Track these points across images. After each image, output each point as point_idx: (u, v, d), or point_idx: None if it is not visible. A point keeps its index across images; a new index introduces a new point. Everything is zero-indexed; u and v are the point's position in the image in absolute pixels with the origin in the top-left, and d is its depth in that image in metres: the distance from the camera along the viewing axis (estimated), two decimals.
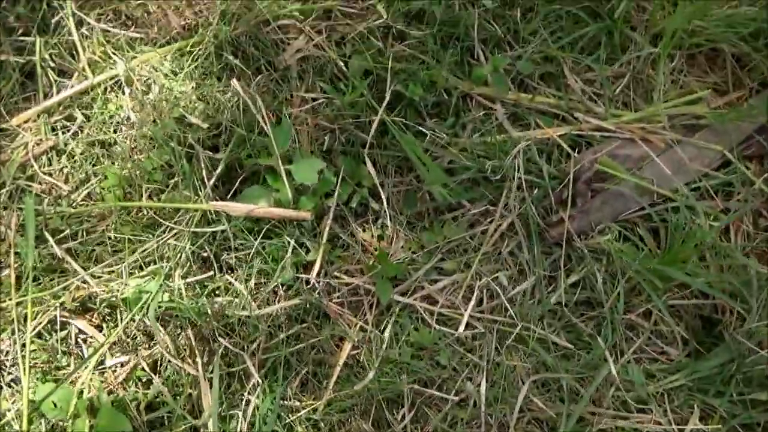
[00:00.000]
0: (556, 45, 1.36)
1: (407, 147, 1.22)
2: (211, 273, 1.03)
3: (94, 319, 1.04)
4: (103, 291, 1.01)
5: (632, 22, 1.42)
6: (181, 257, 1.02)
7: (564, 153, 1.29)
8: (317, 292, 1.08)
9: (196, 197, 1.08)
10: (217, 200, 1.08)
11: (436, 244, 1.19)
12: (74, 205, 1.10)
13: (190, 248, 1.02)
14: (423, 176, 1.23)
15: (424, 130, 1.27)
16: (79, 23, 1.20)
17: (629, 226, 1.26)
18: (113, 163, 1.12)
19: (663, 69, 1.35)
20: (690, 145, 1.31)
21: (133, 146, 1.12)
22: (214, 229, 1.03)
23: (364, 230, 1.20)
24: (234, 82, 1.12)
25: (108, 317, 1.04)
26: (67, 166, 1.13)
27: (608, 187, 1.26)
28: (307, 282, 1.06)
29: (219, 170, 1.08)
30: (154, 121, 1.09)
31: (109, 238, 1.07)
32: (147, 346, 1.04)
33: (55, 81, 1.19)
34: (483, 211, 1.24)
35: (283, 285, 1.05)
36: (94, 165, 1.14)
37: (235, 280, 1.03)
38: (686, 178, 1.28)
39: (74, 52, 1.20)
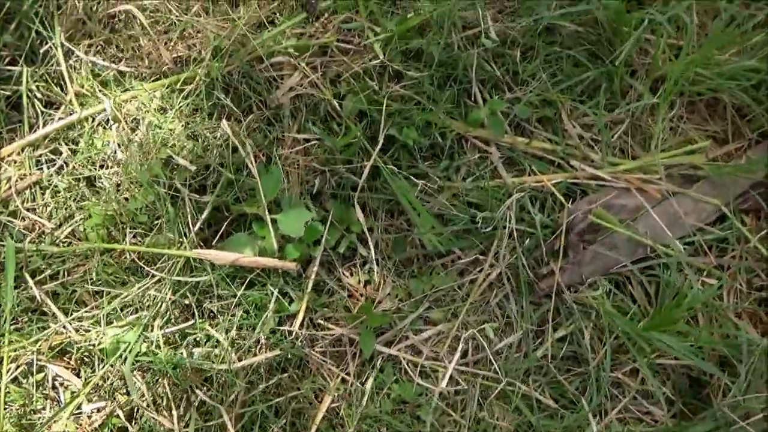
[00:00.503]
0: (556, 89, 1.33)
1: (399, 192, 1.20)
2: (192, 322, 1.01)
3: (71, 363, 1.03)
4: (82, 339, 0.99)
5: (633, 65, 1.40)
6: (161, 307, 1.00)
7: (558, 201, 1.27)
8: (300, 340, 1.06)
9: (181, 241, 1.06)
10: (201, 245, 1.06)
11: (423, 293, 1.17)
12: (57, 242, 1.08)
13: (171, 298, 1.01)
14: (414, 221, 1.21)
15: (417, 172, 1.25)
16: (68, 53, 1.18)
17: (621, 280, 1.24)
18: (98, 202, 1.10)
19: (662, 118, 1.32)
20: (686, 198, 1.29)
21: (118, 184, 1.10)
22: (196, 279, 1.01)
23: (351, 274, 1.19)
24: (224, 123, 1.10)
25: (86, 361, 1.02)
26: (50, 203, 1.11)
27: (601, 238, 1.25)
28: (290, 332, 1.05)
29: (205, 215, 1.06)
30: (141, 163, 1.07)
31: (91, 279, 1.06)
32: (124, 391, 1.02)
33: (42, 113, 1.16)
34: (473, 260, 1.22)
35: (264, 335, 1.03)
36: (78, 202, 1.12)
37: (216, 328, 1.01)
38: (681, 232, 1.26)
39: (62, 83, 1.17)
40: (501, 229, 1.21)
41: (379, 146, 1.18)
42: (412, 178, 1.25)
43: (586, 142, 1.34)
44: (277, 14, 1.33)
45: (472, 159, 1.29)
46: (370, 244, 1.14)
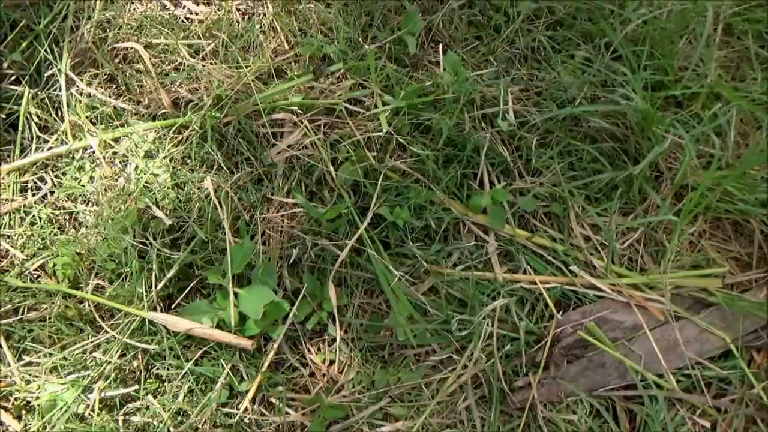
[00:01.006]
0: (568, 184, 1.25)
1: (380, 274, 1.14)
2: (135, 387, 0.98)
3: (14, 406, 1.00)
4: (23, 387, 0.97)
5: (658, 165, 1.30)
6: (105, 368, 0.97)
7: (549, 306, 1.18)
8: (245, 421, 1.01)
9: (144, 295, 1.03)
10: (160, 305, 1.02)
11: (387, 385, 1.11)
12: (24, 274, 1.06)
13: (117, 361, 0.97)
14: (393, 306, 1.15)
15: (405, 252, 1.19)
16: (71, 82, 1.16)
17: (605, 403, 1.15)
18: (71, 239, 1.08)
19: (680, 233, 1.23)
20: (691, 324, 1.19)
21: (95, 224, 1.08)
22: (146, 346, 0.98)
23: (317, 351, 1.13)
24: (208, 180, 1.06)
25: (28, 409, 1.00)
26: (27, 232, 1.10)
27: (590, 355, 1.16)
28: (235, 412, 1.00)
29: (171, 273, 1.03)
30: (117, 209, 1.04)
31: (50, 321, 1.03)
32: None
33: (37, 137, 1.15)
34: (447, 357, 1.15)
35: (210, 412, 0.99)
36: (54, 235, 1.10)
37: (161, 397, 0.97)
38: (679, 362, 1.16)
39: (60, 111, 1.16)
40: (480, 329, 1.13)
41: (366, 223, 1.12)
42: (398, 257, 1.19)
43: (592, 245, 1.25)
44: (292, 63, 1.29)
45: (466, 246, 1.23)
46: (337, 328, 1.09)
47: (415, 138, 1.23)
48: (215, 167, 1.13)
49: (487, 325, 1.11)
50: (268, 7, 1.31)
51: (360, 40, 1.32)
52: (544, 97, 1.33)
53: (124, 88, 1.18)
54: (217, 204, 1.05)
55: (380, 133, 1.17)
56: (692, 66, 1.31)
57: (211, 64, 1.20)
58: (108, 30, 1.18)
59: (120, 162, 1.12)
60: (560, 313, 1.18)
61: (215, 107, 1.15)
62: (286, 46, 1.29)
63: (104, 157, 1.09)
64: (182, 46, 1.17)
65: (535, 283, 1.20)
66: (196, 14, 1.29)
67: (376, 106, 1.23)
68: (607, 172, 1.26)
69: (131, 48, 1.16)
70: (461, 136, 1.24)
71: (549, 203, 1.26)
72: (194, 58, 1.20)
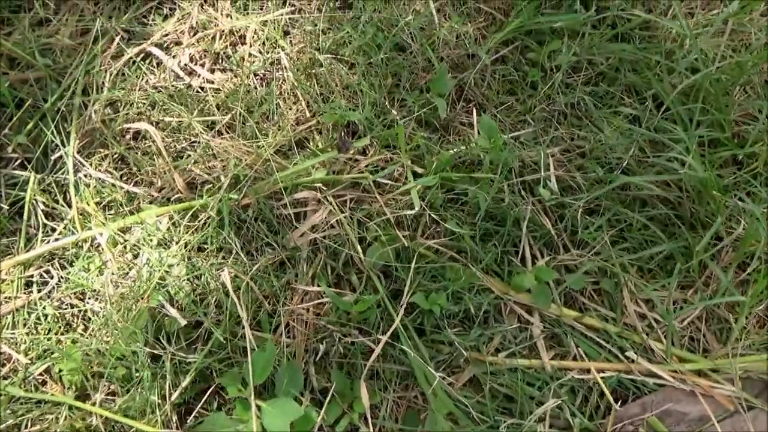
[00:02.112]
0: (619, 258, 1.14)
1: (416, 367, 1.04)
2: None
3: None
4: None
5: (719, 231, 1.18)
6: None
7: (605, 396, 1.07)
8: None
9: (160, 404, 0.93)
10: (174, 417, 0.93)
11: None
12: (28, 380, 0.98)
13: None
14: (430, 403, 1.04)
15: (442, 339, 1.08)
16: (79, 164, 1.08)
17: None
18: (78, 342, 0.99)
19: (747, 313, 1.10)
20: (765, 415, 1.06)
21: (104, 324, 0.99)
22: None
23: None
24: (225, 274, 0.97)
25: None
26: (32, 333, 1.01)
27: None
28: None
29: (186, 382, 0.93)
30: (128, 308, 0.96)
31: None
32: None
33: (43, 225, 1.07)
34: None
35: None
36: (60, 335, 1.01)
37: None
38: None
39: (68, 196, 1.08)
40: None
41: (399, 316, 1.02)
42: (434, 344, 1.09)
43: (647, 323, 1.13)
44: (314, 133, 1.20)
45: (509, 329, 1.11)
46: (370, 429, 0.98)
47: (449, 212, 1.13)
48: (233, 253, 1.04)
49: (538, 425, 1.00)
50: (287, 72, 1.22)
51: (387, 103, 1.23)
52: (588, 159, 1.22)
53: (135, 169, 1.09)
54: (236, 299, 0.95)
55: (412, 212, 1.06)
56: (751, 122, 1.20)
57: (228, 138, 1.11)
58: (119, 107, 1.10)
59: (132, 252, 1.03)
60: (617, 403, 1.06)
61: (233, 189, 1.06)
62: (308, 114, 1.20)
63: (114, 249, 1.01)
64: (197, 123, 1.09)
65: (588, 371, 1.08)
66: (211, 83, 1.20)
67: (406, 178, 1.13)
68: (661, 243, 1.14)
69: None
70: (500, 208, 1.13)
71: (598, 278, 1.15)
72: (210, 131, 1.12)
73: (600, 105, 1.28)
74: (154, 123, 1.09)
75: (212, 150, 1.09)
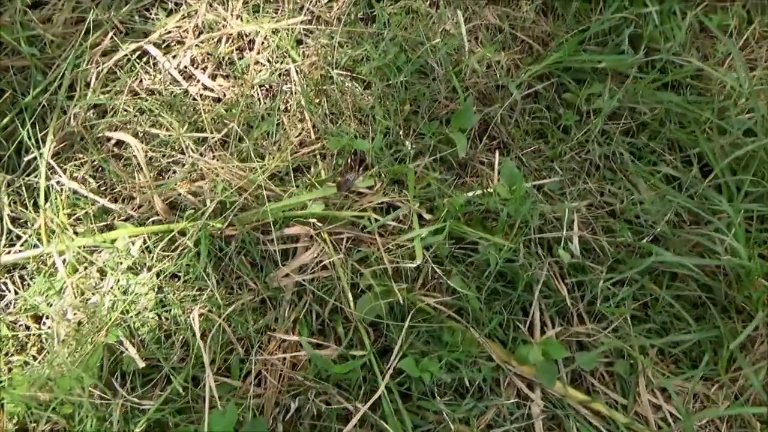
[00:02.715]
0: (638, 339, 1.01)
1: None
2: None
3: None
4: None
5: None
6: None
7: None
8: None
9: None
10: None
11: None
12: None
13: None
14: None
15: (430, 407, 0.97)
16: (52, 171, 0.98)
17: None
18: (27, 364, 0.89)
19: None
20: None
21: (53, 357, 0.89)
22: None
23: None
24: (194, 316, 0.87)
25: None
26: None
27: None
28: None
29: (137, 431, 0.83)
30: (82, 342, 0.86)
31: None
32: None
33: (8, 231, 0.97)
34: None
35: None
36: (10, 356, 0.92)
37: None
38: None
39: (37, 204, 0.98)
40: None
41: (385, 383, 0.91)
42: (420, 410, 0.98)
43: (662, 416, 1.01)
44: (317, 157, 1.09)
45: (506, 403, 1.00)
46: None
47: (455, 266, 1.01)
48: (208, 290, 0.93)
49: None
50: (295, 86, 1.11)
51: (401, 133, 1.11)
52: (618, 220, 1.09)
53: (113, 181, 0.99)
54: (202, 345, 0.85)
55: (413, 264, 0.95)
56: None
57: (219, 157, 1.00)
58: (104, 111, 1.00)
59: (98, 274, 0.93)
60: None
61: (217, 216, 0.95)
62: (313, 135, 1.09)
63: (78, 268, 0.90)
64: (186, 138, 0.98)
65: None
66: (211, 90, 1.09)
67: (411, 222, 1.02)
68: (688, 327, 1.01)
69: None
70: (512, 267, 1.01)
71: (612, 359, 1.03)
72: (201, 146, 1.01)
73: (637, 159, 1.15)
74: (139, 133, 0.99)
75: (200, 169, 0.98)
